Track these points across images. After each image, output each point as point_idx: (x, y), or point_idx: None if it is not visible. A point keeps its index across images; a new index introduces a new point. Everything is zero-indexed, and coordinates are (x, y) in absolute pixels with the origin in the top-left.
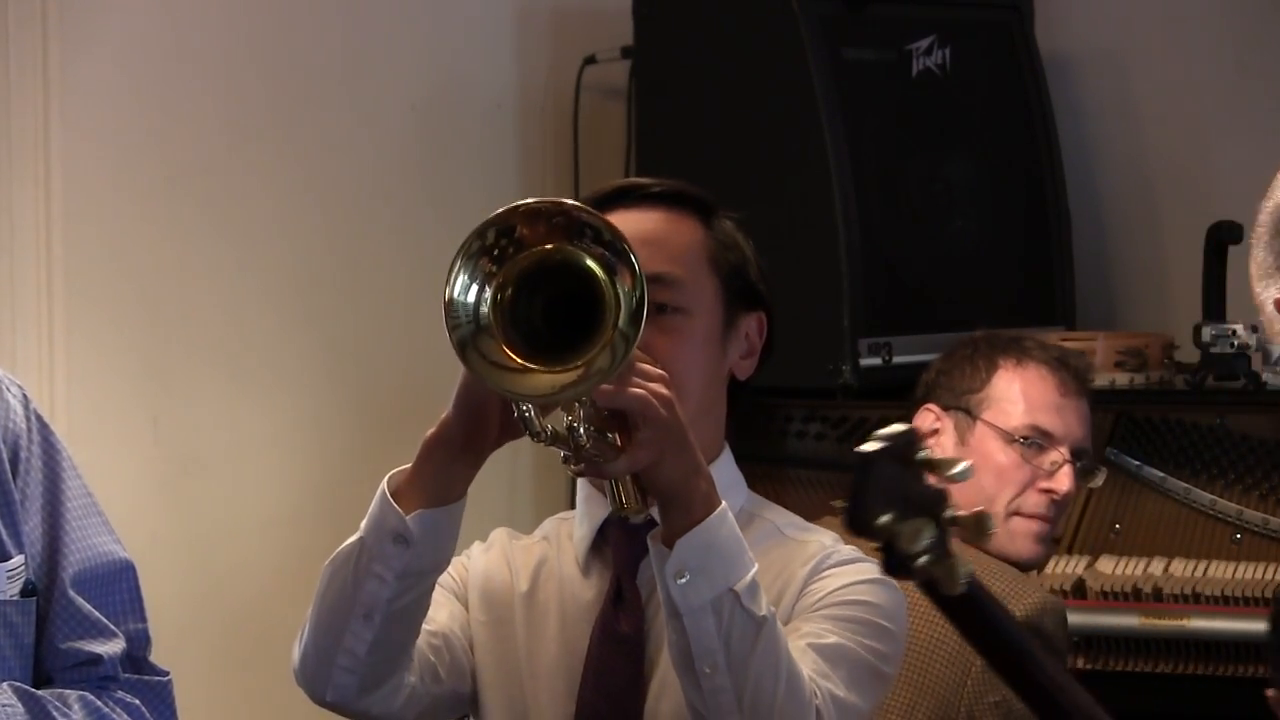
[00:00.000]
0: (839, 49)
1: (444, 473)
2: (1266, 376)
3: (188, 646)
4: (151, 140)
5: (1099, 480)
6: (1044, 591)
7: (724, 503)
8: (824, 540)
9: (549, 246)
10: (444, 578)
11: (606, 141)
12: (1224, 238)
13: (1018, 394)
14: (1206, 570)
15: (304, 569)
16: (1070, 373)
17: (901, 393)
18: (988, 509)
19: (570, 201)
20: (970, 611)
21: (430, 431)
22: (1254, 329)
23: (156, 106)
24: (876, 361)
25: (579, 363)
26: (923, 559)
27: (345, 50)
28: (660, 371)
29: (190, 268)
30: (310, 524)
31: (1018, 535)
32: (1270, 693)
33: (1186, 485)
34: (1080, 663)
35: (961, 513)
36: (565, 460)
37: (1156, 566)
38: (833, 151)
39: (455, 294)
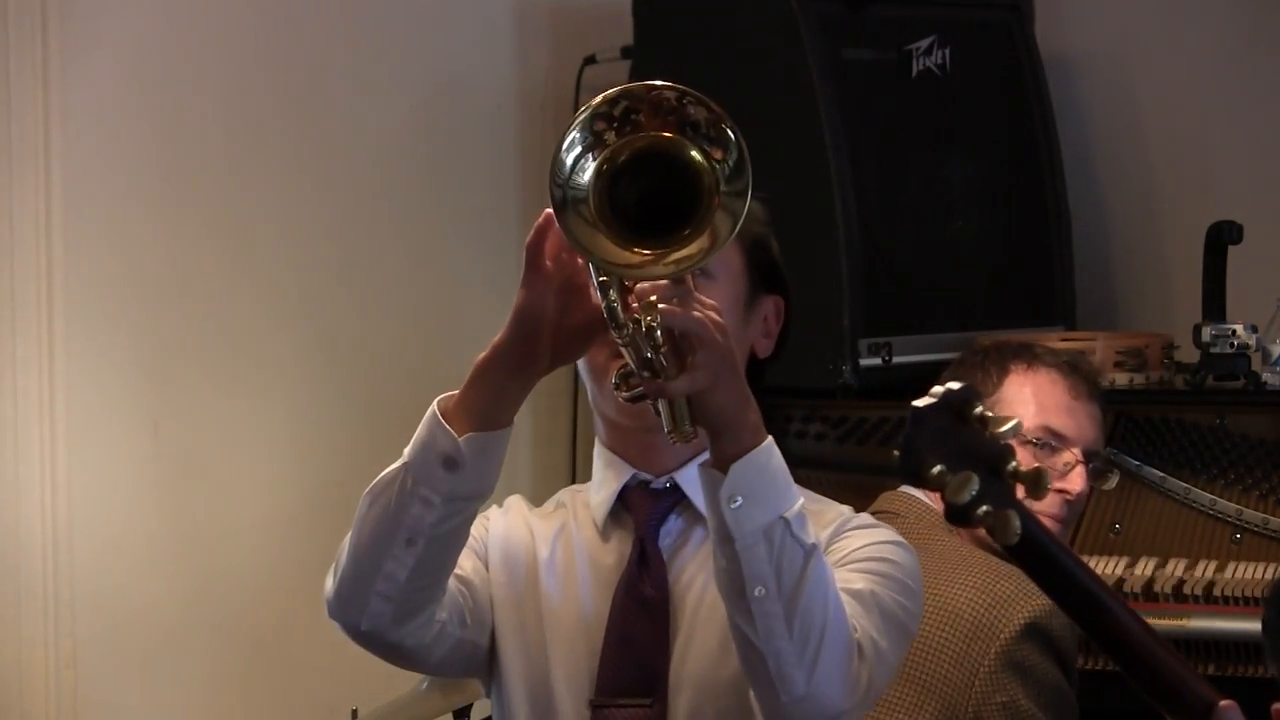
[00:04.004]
0: (839, 49)
1: (495, 395)
2: (1266, 376)
3: (186, 646)
4: (151, 141)
5: (1112, 482)
6: None
7: (770, 436)
8: (841, 509)
9: (664, 134)
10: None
11: None
12: (1224, 238)
13: (1029, 397)
14: (1206, 570)
15: (302, 569)
16: (1081, 376)
17: (901, 393)
18: None
19: (691, 93)
20: (1030, 559)
21: (482, 354)
22: (1254, 329)
23: (156, 107)
24: (876, 361)
25: (702, 231)
26: (980, 509)
27: (346, 50)
28: (714, 303)
29: (190, 268)
30: (309, 525)
31: None
32: (1277, 707)
33: (1186, 485)
34: (1082, 662)
35: (1022, 468)
36: (619, 384)
37: (1156, 567)
38: (833, 151)
39: (564, 156)
